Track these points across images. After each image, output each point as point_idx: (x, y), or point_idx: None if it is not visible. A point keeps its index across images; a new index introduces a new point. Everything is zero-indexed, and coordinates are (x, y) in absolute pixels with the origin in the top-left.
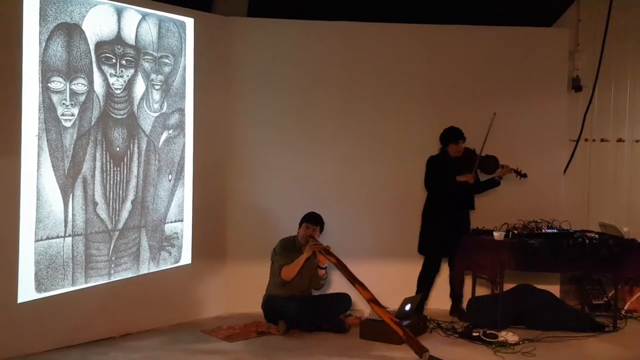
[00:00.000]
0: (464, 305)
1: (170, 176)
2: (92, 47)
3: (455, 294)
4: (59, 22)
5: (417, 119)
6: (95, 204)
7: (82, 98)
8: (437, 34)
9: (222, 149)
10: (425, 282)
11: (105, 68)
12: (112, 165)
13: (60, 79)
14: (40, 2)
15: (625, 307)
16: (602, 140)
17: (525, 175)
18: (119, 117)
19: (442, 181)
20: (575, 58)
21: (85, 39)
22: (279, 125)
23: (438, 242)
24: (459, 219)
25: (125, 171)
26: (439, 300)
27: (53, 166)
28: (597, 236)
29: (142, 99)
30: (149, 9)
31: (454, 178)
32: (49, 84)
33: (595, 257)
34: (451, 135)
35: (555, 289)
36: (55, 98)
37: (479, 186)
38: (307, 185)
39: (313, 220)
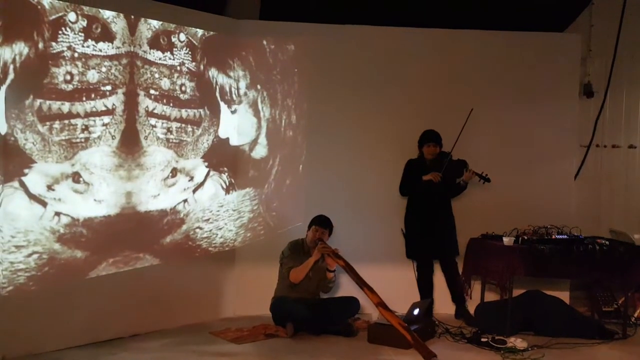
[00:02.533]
0: (472, 310)
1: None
2: None
3: (457, 297)
4: None
5: (429, 122)
6: None
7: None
8: (449, 38)
9: (231, 150)
10: (424, 286)
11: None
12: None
13: None
14: None
15: (635, 315)
16: (613, 146)
17: (489, 180)
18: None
19: (411, 184)
20: (587, 64)
21: None
22: (287, 127)
23: (421, 244)
24: (439, 221)
25: None
26: (448, 305)
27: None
28: (607, 243)
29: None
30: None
31: (420, 178)
32: None
33: (605, 263)
34: (422, 138)
35: (564, 295)
36: None
37: (451, 190)
38: (317, 188)
39: (322, 223)
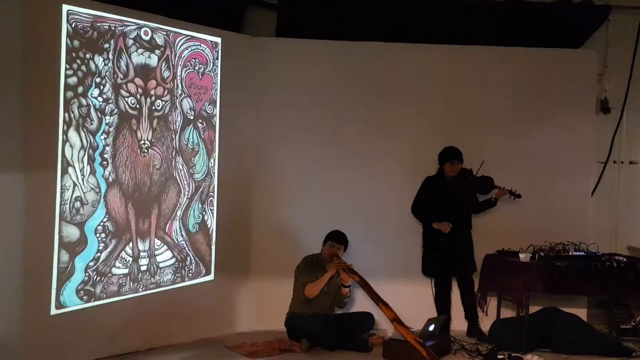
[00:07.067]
0: (489, 327)
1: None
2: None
3: (470, 314)
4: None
5: (443, 139)
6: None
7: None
8: (463, 54)
9: (248, 166)
10: (441, 304)
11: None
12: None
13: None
14: None
15: None
16: (630, 162)
17: (519, 196)
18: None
19: (422, 211)
20: (603, 80)
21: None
22: (305, 144)
23: (439, 263)
24: (458, 239)
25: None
26: (464, 321)
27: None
28: (625, 260)
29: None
30: (179, 29)
31: (431, 221)
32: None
33: (623, 281)
34: (447, 154)
35: (582, 313)
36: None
37: (476, 207)
38: (332, 204)
39: (338, 239)
